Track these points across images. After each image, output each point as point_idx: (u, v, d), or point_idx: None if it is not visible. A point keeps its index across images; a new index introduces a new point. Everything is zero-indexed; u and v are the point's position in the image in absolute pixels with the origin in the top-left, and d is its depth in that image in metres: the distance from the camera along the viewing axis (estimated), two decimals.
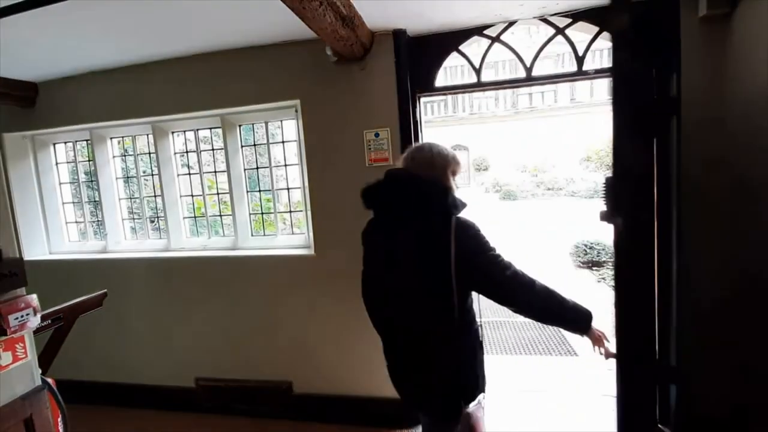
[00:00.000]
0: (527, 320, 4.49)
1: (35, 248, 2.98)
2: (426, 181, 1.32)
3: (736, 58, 1.67)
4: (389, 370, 1.49)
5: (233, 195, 2.67)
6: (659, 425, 1.86)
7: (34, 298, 1.19)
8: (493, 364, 3.45)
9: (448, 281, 1.26)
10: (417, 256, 1.29)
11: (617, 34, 1.41)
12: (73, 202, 3.10)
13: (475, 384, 1.39)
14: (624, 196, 1.47)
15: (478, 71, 2.28)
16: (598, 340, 1.37)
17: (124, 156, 3.13)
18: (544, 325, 4.29)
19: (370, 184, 1.42)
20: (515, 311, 1.33)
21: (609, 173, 1.43)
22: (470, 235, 1.28)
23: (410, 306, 1.33)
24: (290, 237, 2.69)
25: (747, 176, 1.62)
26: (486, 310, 4.95)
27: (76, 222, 3.12)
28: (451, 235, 1.25)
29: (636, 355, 1.65)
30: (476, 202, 15.09)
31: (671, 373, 1.89)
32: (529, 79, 2.22)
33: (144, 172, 3.02)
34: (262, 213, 2.81)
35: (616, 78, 1.47)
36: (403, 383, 1.45)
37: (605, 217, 1.40)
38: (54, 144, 3.00)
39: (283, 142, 2.67)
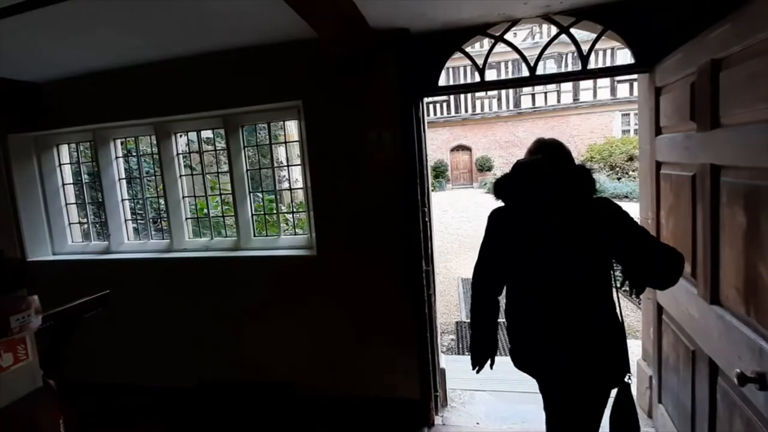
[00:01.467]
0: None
1: (39, 249, 2.99)
2: (577, 166, 1.46)
3: None
4: (532, 350, 1.51)
5: (236, 196, 2.66)
6: None
7: (35, 299, 1.18)
8: (495, 365, 3.43)
9: (600, 254, 1.38)
10: (570, 235, 1.39)
11: None
12: (77, 203, 3.10)
13: (627, 353, 1.45)
14: None
15: (481, 71, 2.26)
16: None
17: (128, 157, 3.13)
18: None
19: (506, 174, 1.51)
20: (657, 278, 1.33)
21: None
22: (616, 210, 1.38)
23: (570, 282, 1.40)
24: (293, 237, 2.68)
25: None
26: None
27: (80, 223, 3.13)
28: (600, 211, 1.38)
29: None
30: (478, 203, 15.05)
31: None
32: (533, 78, 2.20)
33: (147, 172, 3.03)
34: (265, 213, 2.81)
35: None
36: (560, 357, 1.43)
37: None
38: (57, 145, 3.01)
39: (285, 142, 2.67)
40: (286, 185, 2.80)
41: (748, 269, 1.26)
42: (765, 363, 1.16)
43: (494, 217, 1.55)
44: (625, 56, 2.09)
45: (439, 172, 19.15)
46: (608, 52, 15.51)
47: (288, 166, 2.76)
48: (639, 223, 1.39)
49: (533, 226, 1.44)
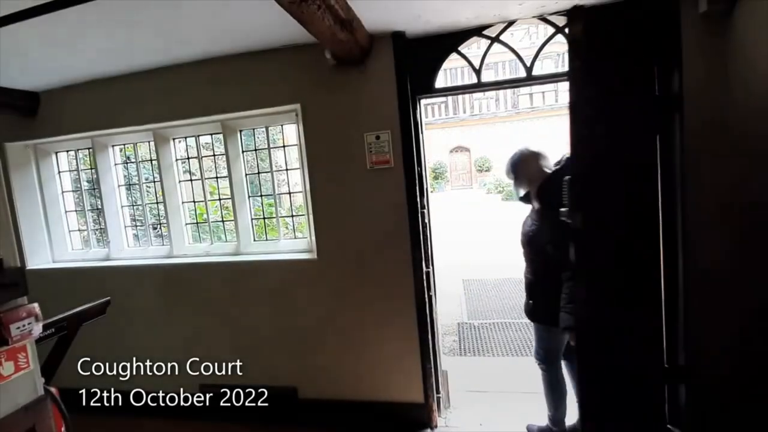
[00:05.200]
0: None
1: (38, 257, 2.99)
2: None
3: (737, 52, 1.66)
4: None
5: (235, 200, 2.66)
6: (669, 426, 1.85)
7: (36, 307, 1.18)
8: (497, 365, 3.42)
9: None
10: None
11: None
12: (76, 210, 3.10)
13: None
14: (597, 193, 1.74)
15: (478, 72, 2.27)
16: None
17: (126, 163, 3.13)
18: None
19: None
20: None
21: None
22: None
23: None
24: (293, 241, 2.68)
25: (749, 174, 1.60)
26: (491, 312, 4.92)
27: (79, 230, 3.12)
28: None
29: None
30: (478, 204, 15.05)
31: (680, 372, 1.87)
32: (530, 79, 2.21)
33: (146, 179, 3.02)
34: (264, 218, 2.81)
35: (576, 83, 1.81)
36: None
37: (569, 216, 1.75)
38: (56, 153, 3.01)
39: (284, 146, 2.67)
40: (285, 189, 2.79)
41: None
42: None
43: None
44: None
45: (438, 173, 19.17)
46: None
47: (287, 170, 2.76)
48: None
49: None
